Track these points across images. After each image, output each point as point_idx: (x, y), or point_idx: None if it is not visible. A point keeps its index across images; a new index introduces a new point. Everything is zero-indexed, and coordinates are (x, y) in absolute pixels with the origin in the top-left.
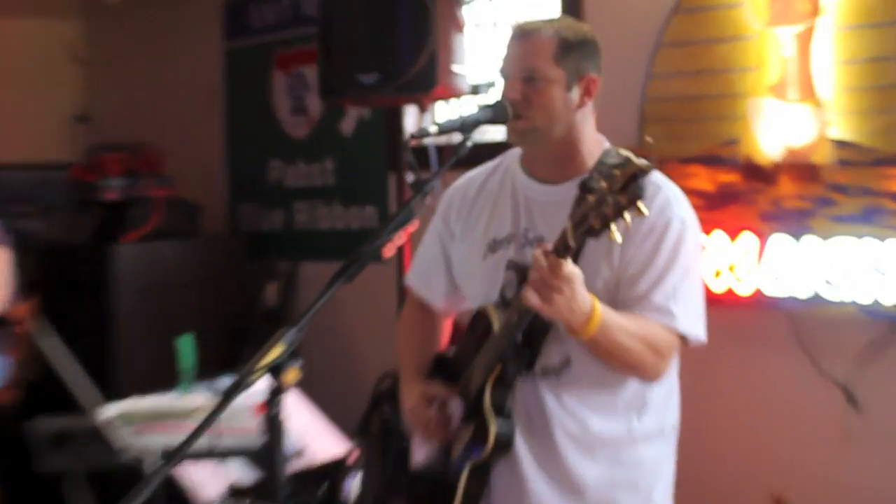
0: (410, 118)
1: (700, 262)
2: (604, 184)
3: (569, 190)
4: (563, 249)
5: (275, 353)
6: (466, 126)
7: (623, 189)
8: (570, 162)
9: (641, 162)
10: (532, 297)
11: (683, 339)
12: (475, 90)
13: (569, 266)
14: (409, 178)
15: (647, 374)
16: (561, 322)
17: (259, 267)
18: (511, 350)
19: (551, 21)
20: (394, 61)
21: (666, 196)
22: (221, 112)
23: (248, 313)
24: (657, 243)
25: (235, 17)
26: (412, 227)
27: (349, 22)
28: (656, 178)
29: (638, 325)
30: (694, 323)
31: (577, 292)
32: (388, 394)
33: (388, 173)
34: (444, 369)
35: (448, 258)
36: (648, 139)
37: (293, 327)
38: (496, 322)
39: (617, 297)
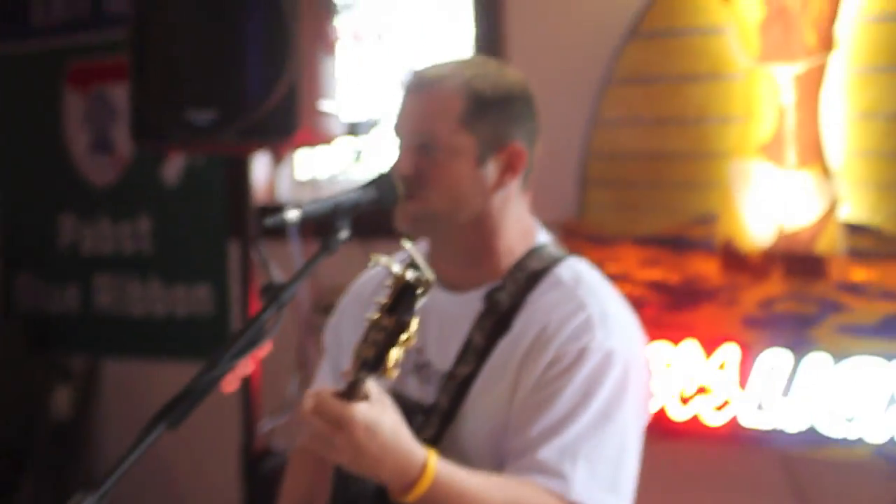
0: (260, 169)
1: (634, 412)
2: (383, 301)
3: (472, 302)
4: (349, 387)
5: None
6: (341, 210)
7: (391, 310)
8: (478, 262)
9: (411, 274)
10: (312, 443)
11: None
12: (352, 131)
13: (357, 408)
14: (258, 258)
15: None
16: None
17: (44, 365)
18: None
19: (463, 66)
20: (237, 94)
21: (588, 317)
22: None
23: (28, 429)
24: (562, 379)
25: (9, 12)
26: (262, 351)
27: (173, 31)
28: (587, 289)
29: (506, 492)
30: (601, 493)
31: (366, 445)
32: None
33: (229, 240)
34: None
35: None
36: (408, 245)
37: (92, 494)
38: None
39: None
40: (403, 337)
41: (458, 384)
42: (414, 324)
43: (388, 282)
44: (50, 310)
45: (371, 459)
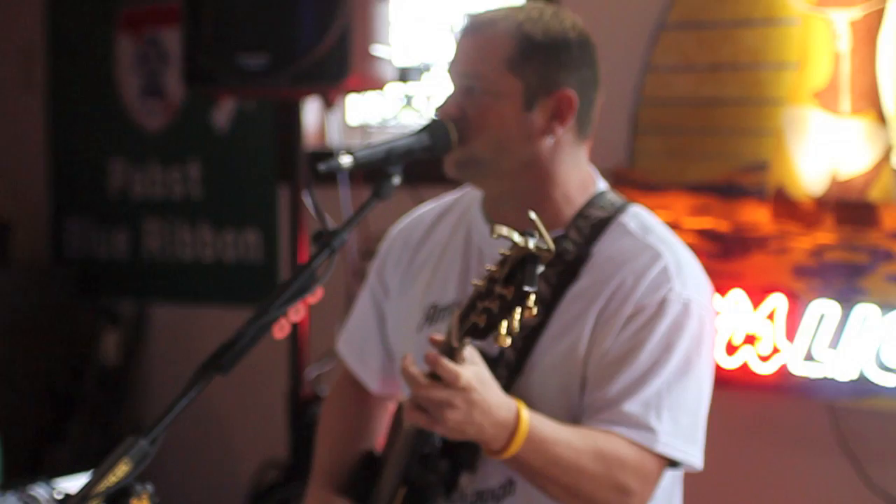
0: (311, 115)
1: (708, 360)
2: (494, 267)
3: None
4: (449, 352)
5: (117, 472)
6: (393, 156)
7: (510, 278)
8: (536, 209)
9: (535, 243)
10: (415, 416)
11: (670, 464)
12: (403, 78)
13: (459, 373)
14: (308, 203)
15: None
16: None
17: (93, 309)
18: (418, 466)
19: (517, 10)
20: (290, 39)
21: (664, 265)
22: (41, 90)
23: (76, 374)
24: (643, 332)
25: None
26: (313, 297)
27: None
28: (658, 237)
29: (593, 443)
30: (684, 444)
31: (480, 402)
32: (272, 491)
33: (278, 186)
34: (368, 478)
35: (383, 322)
36: (532, 216)
37: (143, 437)
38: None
39: (579, 404)
40: (523, 308)
41: (526, 335)
42: (533, 297)
43: (506, 250)
44: (99, 254)
45: (481, 419)
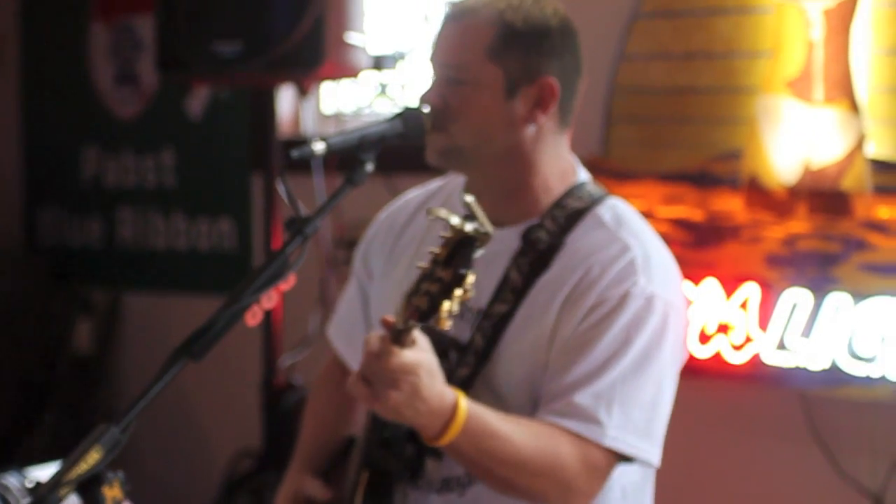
0: (285, 103)
1: (671, 359)
2: (437, 250)
3: (509, 239)
4: (396, 334)
5: (88, 460)
6: (366, 143)
7: (447, 262)
8: (514, 199)
9: (470, 227)
10: (358, 389)
11: (625, 459)
12: (378, 65)
13: (406, 355)
14: (282, 190)
15: None
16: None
17: (66, 297)
18: (379, 451)
19: None
20: (264, 26)
21: (631, 258)
22: (13, 76)
23: (49, 362)
24: (602, 324)
25: None
26: (286, 284)
27: None
28: (630, 230)
29: (534, 437)
30: (636, 439)
31: (424, 388)
32: (246, 480)
33: (252, 174)
34: (347, 462)
35: (367, 307)
36: (469, 199)
37: (114, 425)
38: None
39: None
40: (459, 291)
41: (495, 323)
42: (471, 278)
43: (445, 233)
44: (72, 242)
45: (419, 404)
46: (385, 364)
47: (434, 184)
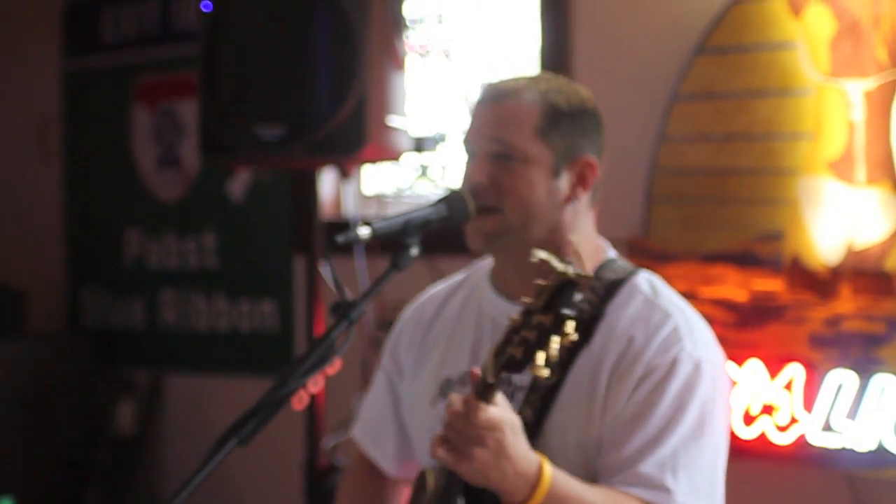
0: (327, 185)
1: (720, 419)
2: (530, 299)
3: None
4: (483, 389)
5: None
6: (411, 227)
7: (546, 307)
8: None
9: (571, 270)
10: (441, 452)
11: None
12: (419, 147)
13: (492, 411)
14: (326, 274)
15: None
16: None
17: (109, 379)
18: None
19: (536, 80)
20: (306, 110)
21: (675, 327)
22: (57, 158)
23: (91, 442)
24: (655, 392)
25: (79, 27)
26: (332, 368)
27: (243, 47)
28: (667, 300)
29: (610, 499)
30: (700, 502)
31: (509, 446)
32: None
33: (294, 256)
34: None
35: (398, 404)
36: (574, 238)
37: None
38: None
39: (596, 464)
40: (558, 337)
41: (542, 396)
42: (571, 323)
43: (541, 281)
44: (115, 324)
45: (507, 462)
46: (471, 420)
47: (457, 276)
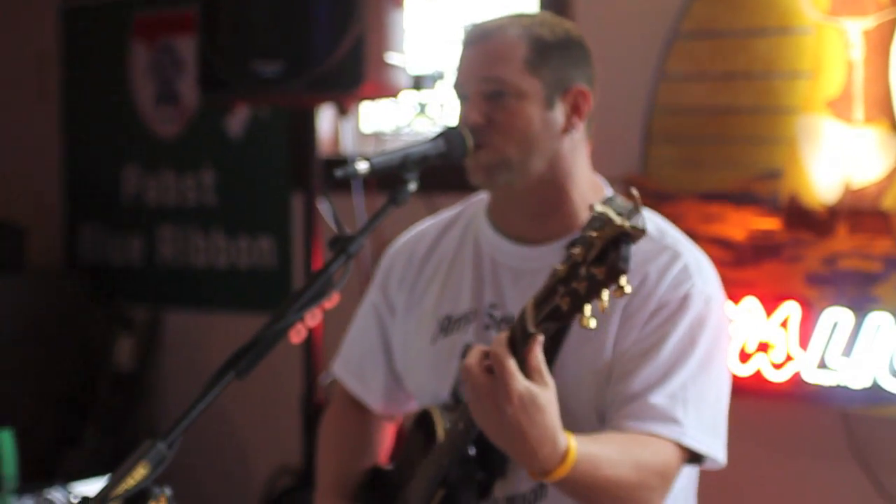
0: (325, 122)
1: (725, 355)
2: (578, 250)
3: (553, 253)
4: (522, 338)
5: (135, 475)
6: (409, 162)
7: (600, 259)
8: (555, 213)
9: (627, 222)
10: (469, 397)
11: (692, 459)
12: (417, 85)
13: (525, 385)
14: (324, 209)
15: None
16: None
17: (107, 315)
18: (457, 470)
19: (519, 16)
20: (305, 46)
21: (685, 265)
22: (55, 97)
23: (90, 379)
24: (667, 326)
25: None
26: (330, 302)
27: None
28: (674, 239)
29: (630, 454)
30: (709, 437)
31: (537, 422)
32: (286, 497)
33: (293, 192)
34: (380, 488)
35: (387, 341)
36: (634, 192)
37: (160, 440)
38: (441, 430)
39: (605, 395)
40: (611, 289)
41: (550, 338)
42: (625, 277)
43: (593, 232)
44: (113, 261)
45: (534, 437)
46: (503, 386)
47: (448, 213)
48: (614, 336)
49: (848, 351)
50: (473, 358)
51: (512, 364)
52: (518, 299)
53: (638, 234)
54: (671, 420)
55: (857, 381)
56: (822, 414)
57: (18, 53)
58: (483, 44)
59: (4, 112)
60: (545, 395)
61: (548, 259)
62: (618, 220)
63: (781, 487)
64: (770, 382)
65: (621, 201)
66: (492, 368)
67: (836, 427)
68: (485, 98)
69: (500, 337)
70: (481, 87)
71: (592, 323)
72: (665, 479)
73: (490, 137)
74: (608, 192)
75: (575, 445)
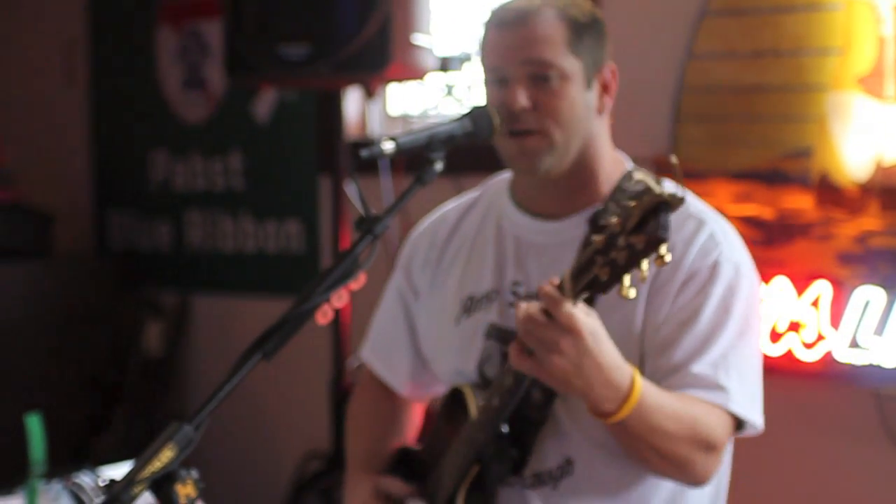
0: (352, 104)
1: (758, 321)
2: (615, 220)
3: (576, 227)
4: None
5: (162, 458)
6: (435, 142)
7: (639, 228)
8: (581, 189)
9: (666, 191)
10: (520, 360)
11: (736, 426)
12: (444, 66)
13: (574, 312)
14: (351, 191)
15: (694, 475)
16: (577, 398)
17: (135, 301)
18: (492, 447)
19: None
20: (331, 28)
21: (711, 232)
22: (83, 83)
23: (120, 364)
24: (700, 295)
25: None
26: (356, 283)
27: None
28: (697, 208)
29: (686, 407)
30: (751, 403)
31: (592, 352)
32: (315, 481)
33: (320, 176)
34: (409, 467)
35: (412, 325)
36: (672, 158)
37: (187, 423)
38: (473, 407)
39: (642, 372)
40: (651, 258)
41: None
42: (665, 245)
43: (630, 202)
44: (141, 246)
45: (590, 373)
46: (551, 321)
47: (469, 195)
48: (643, 308)
49: (880, 330)
50: (529, 309)
51: (569, 303)
52: (543, 274)
53: (677, 202)
54: (717, 387)
55: (890, 360)
56: (854, 393)
57: (46, 40)
58: (523, 26)
59: (33, 99)
60: (593, 324)
61: (571, 232)
62: (656, 188)
63: (813, 467)
64: (801, 362)
65: (642, 174)
66: (548, 312)
67: (868, 406)
68: (529, 81)
69: (545, 286)
70: (526, 70)
71: (632, 293)
72: (721, 445)
73: (539, 122)
74: (628, 165)
75: (641, 380)
